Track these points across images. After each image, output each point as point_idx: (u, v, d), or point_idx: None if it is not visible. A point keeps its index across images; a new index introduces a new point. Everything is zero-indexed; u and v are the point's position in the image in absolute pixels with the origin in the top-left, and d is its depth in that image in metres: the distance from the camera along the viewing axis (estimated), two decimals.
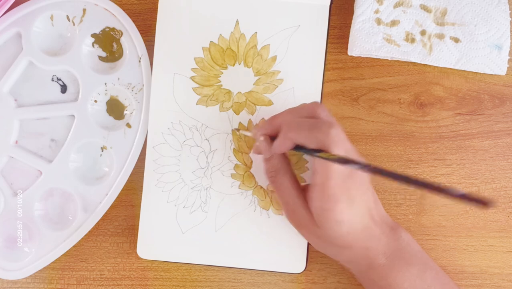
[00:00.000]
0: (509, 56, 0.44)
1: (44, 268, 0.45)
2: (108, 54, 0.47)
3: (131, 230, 0.47)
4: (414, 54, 0.45)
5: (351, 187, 0.38)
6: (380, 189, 0.46)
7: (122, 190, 0.46)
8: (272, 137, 0.40)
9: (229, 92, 0.46)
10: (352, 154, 0.38)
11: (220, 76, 0.46)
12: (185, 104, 0.46)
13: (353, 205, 0.38)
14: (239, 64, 0.46)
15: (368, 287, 0.42)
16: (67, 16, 0.46)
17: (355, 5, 0.45)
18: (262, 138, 0.41)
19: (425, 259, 0.41)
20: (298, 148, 0.38)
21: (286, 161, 0.42)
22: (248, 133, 0.44)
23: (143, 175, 0.46)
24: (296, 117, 0.39)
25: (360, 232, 0.39)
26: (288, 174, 0.41)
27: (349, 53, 0.45)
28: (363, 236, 0.39)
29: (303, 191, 0.41)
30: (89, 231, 0.45)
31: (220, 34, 0.46)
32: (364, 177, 0.39)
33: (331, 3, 0.45)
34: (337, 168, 0.37)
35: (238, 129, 0.45)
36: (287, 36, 0.45)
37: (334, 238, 0.39)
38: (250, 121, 0.45)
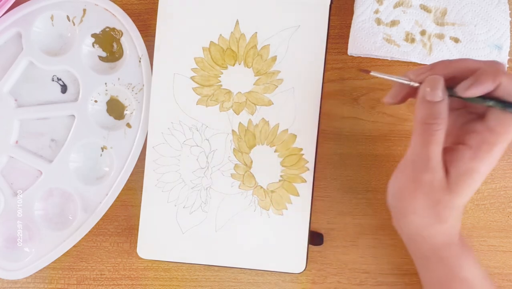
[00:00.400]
0: (509, 56, 0.44)
1: (44, 268, 0.45)
2: (108, 54, 0.47)
3: (131, 230, 0.47)
4: (414, 54, 0.45)
5: (498, 154, 0.36)
6: (379, 189, 0.46)
7: (122, 190, 0.46)
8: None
9: (229, 92, 0.46)
10: None
11: (220, 76, 0.46)
12: (185, 104, 0.46)
13: (486, 174, 0.36)
14: (239, 64, 0.46)
15: (434, 269, 0.40)
16: (67, 16, 0.46)
17: (355, 5, 0.45)
18: (436, 77, 0.36)
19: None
20: (485, 98, 0.35)
21: (446, 110, 0.36)
22: (394, 78, 0.38)
23: (143, 175, 0.46)
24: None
25: (461, 210, 0.38)
26: (443, 123, 0.36)
27: (349, 53, 0.45)
28: (459, 217, 0.38)
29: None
30: (89, 231, 0.45)
31: (220, 34, 0.46)
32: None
33: (331, 3, 0.45)
34: (511, 134, 0.35)
35: (367, 71, 0.39)
36: (287, 36, 0.45)
37: (455, 206, 0.37)
38: (250, 121, 0.45)
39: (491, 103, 0.35)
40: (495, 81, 0.34)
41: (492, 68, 0.35)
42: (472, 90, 0.35)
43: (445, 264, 0.38)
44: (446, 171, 0.36)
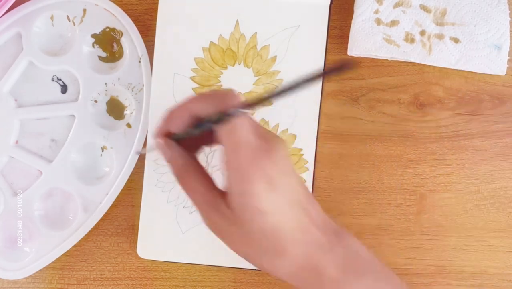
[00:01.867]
0: (508, 56, 0.44)
1: (44, 268, 0.45)
2: (108, 54, 0.47)
3: (131, 230, 0.47)
4: (413, 54, 0.45)
5: (267, 167, 0.31)
6: (379, 189, 0.46)
7: (122, 190, 0.46)
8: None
9: None
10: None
11: (220, 77, 0.46)
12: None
13: (275, 190, 0.31)
14: (239, 64, 0.46)
15: None
16: (67, 16, 0.46)
17: (355, 5, 0.45)
18: (159, 139, 0.35)
19: (376, 266, 0.35)
20: (198, 126, 0.34)
21: (191, 157, 0.36)
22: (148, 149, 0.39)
23: (143, 175, 0.46)
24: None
25: (295, 232, 0.33)
26: (196, 169, 0.35)
27: (349, 53, 0.45)
28: (301, 239, 0.33)
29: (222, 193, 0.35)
30: (89, 231, 0.45)
31: (220, 34, 0.46)
32: (285, 160, 0.33)
33: (331, 3, 0.45)
34: (245, 138, 0.31)
35: (138, 153, 0.43)
36: (287, 36, 0.45)
37: (261, 237, 0.32)
38: None
39: (196, 130, 0.34)
40: (187, 113, 0.34)
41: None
42: (173, 126, 0.35)
43: None
44: (233, 210, 0.33)
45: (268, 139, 0.33)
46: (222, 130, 0.32)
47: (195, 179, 0.35)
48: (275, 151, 0.32)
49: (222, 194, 0.34)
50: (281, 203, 0.32)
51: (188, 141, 0.36)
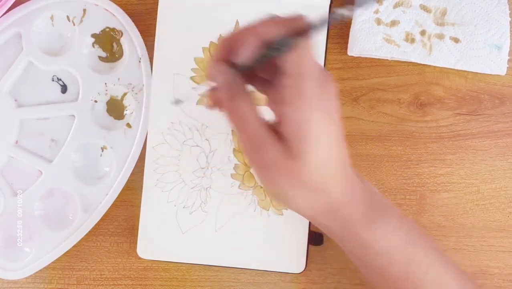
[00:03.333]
0: (509, 56, 0.44)
1: (44, 268, 0.45)
2: (108, 54, 0.47)
3: (131, 230, 0.47)
4: (414, 54, 0.45)
5: (327, 98, 0.32)
6: (379, 189, 0.46)
7: (122, 190, 0.46)
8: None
9: None
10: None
11: None
12: (185, 104, 0.46)
13: (331, 123, 0.32)
14: None
15: (352, 247, 0.37)
16: (67, 16, 0.46)
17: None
18: (216, 65, 0.34)
19: (398, 211, 0.38)
20: (264, 54, 0.32)
21: (242, 84, 0.34)
22: (201, 88, 0.36)
23: (143, 175, 0.46)
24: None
25: (337, 170, 0.33)
26: (247, 97, 0.33)
27: (349, 53, 0.45)
28: (340, 177, 0.34)
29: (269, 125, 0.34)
30: (89, 231, 0.45)
31: (220, 34, 0.46)
32: (337, 97, 0.33)
33: (331, 3, 0.45)
34: (312, 67, 0.31)
35: (179, 101, 0.39)
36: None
37: (311, 170, 0.32)
38: None
39: (263, 58, 0.32)
40: (252, 35, 0.32)
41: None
42: (237, 55, 0.33)
43: (364, 243, 0.35)
44: (284, 139, 0.32)
45: (324, 72, 0.33)
46: (289, 56, 0.31)
47: (248, 112, 0.33)
48: (332, 86, 0.32)
49: (274, 129, 0.33)
50: (334, 137, 0.32)
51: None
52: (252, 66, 0.33)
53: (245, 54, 0.33)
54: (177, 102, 0.40)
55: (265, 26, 0.33)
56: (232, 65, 0.34)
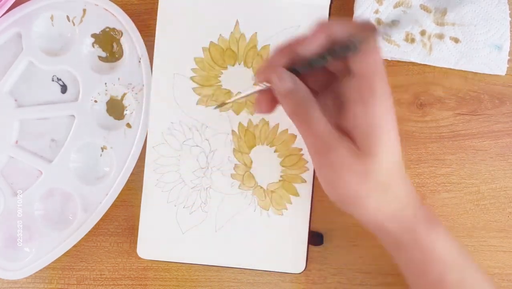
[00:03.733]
0: (509, 56, 0.44)
1: (44, 268, 0.45)
2: (108, 54, 0.47)
3: (131, 230, 0.47)
4: (414, 54, 0.45)
5: (388, 96, 0.33)
6: None
7: (122, 190, 0.46)
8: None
9: (229, 92, 0.46)
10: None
11: (220, 76, 0.46)
12: (185, 104, 0.46)
13: (395, 121, 0.33)
14: (239, 64, 0.46)
15: (411, 254, 0.37)
16: (67, 16, 0.46)
17: (355, 5, 0.45)
18: (279, 69, 0.34)
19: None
20: (328, 52, 0.33)
21: (309, 90, 0.34)
22: (247, 92, 0.36)
23: (143, 175, 0.46)
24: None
25: (401, 170, 0.34)
26: (312, 100, 0.34)
27: None
28: (404, 177, 0.35)
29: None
30: (89, 231, 0.45)
31: (220, 34, 0.46)
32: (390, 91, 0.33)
33: (331, 3, 0.45)
34: (381, 66, 0.32)
35: (223, 104, 0.39)
36: (287, 36, 0.45)
37: (381, 169, 0.33)
38: (250, 121, 0.45)
39: (330, 55, 0.33)
40: (323, 31, 0.33)
41: (318, 23, 0.33)
42: (305, 47, 0.33)
43: (415, 244, 0.36)
44: (353, 140, 0.33)
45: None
46: (361, 56, 0.32)
47: (316, 113, 0.33)
48: (388, 84, 0.33)
49: (341, 132, 0.33)
50: (398, 136, 0.33)
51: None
52: (312, 64, 0.34)
53: (312, 47, 0.33)
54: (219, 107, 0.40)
55: (336, 24, 0.33)
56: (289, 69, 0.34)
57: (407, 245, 0.36)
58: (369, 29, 0.32)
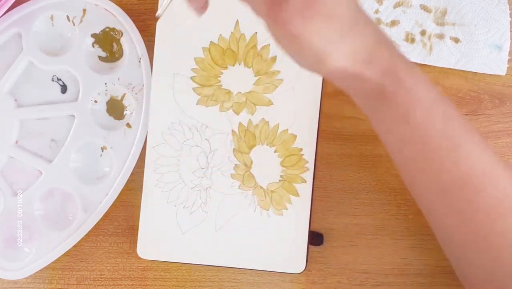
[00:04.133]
0: (509, 56, 0.44)
1: (44, 268, 0.45)
2: (108, 54, 0.47)
3: (131, 230, 0.47)
4: (414, 54, 0.45)
5: None
6: (379, 189, 0.46)
7: (122, 190, 0.46)
8: None
9: (229, 92, 0.46)
10: None
11: (220, 76, 0.46)
12: (185, 104, 0.46)
13: None
14: (239, 64, 0.46)
15: (389, 98, 0.34)
16: (67, 16, 0.46)
17: None
18: None
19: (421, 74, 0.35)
20: None
21: None
22: None
23: (143, 175, 0.46)
24: None
25: (356, 7, 0.32)
26: None
27: None
28: (363, 15, 0.33)
29: None
30: (89, 231, 0.45)
31: (220, 34, 0.46)
32: None
33: None
34: None
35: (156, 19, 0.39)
36: None
37: (340, 8, 0.31)
38: (250, 121, 0.45)
39: None
40: None
41: None
42: None
43: (398, 86, 0.33)
44: None
45: None
46: None
47: None
48: None
49: None
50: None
51: None
52: None
53: None
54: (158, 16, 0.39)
55: None
56: None
57: (389, 88, 0.34)
58: None
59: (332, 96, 0.46)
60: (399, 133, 0.36)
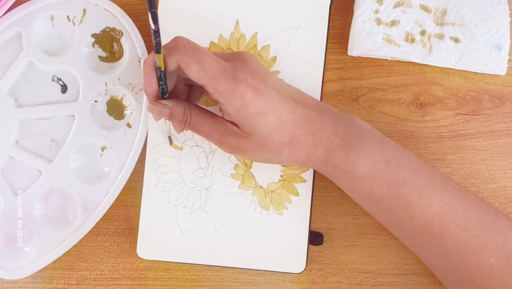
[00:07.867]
0: (508, 56, 0.44)
1: (44, 268, 0.45)
2: (108, 54, 0.47)
3: (131, 230, 0.47)
4: (414, 54, 0.45)
5: (246, 78, 0.37)
6: None
7: (122, 190, 0.46)
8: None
9: None
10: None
11: None
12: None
13: (257, 91, 0.37)
14: None
15: (335, 177, 0.41)
16: (67, 16, 0.46)
17: (355, 5, 0.45)
18: (150, 104, 0.40)
19: (379, 135, 0.40)
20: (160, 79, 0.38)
21: (186, 102, 0.41)
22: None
23: (143, 175, 0.46)
24: None
25: (292, 119, 0.38)
26: (195, 111, 0.40)
27: (349, 53, 0.45)
28: (300, 122, 0.38)
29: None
30: (89, 231, 0.45)
31: (220, 34, 0.46)
32: (258, 67, 0.39)
33: (331, 3, 0.45)
34: (210, 70, 0.37)
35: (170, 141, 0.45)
36: (287, 36, 0.45)
37: (270, 135, 0.38)
38: None
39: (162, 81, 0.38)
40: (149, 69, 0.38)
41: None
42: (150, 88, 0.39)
43: (344, 170, 0.39)
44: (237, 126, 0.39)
45: (230, 57, 0.38)
46: (188, 73, 0.37)
47: (200, 118, 0.40)
48: (244, 62, 0.38)
49: (227, 121, 0.39)
50: (267, 100, 0.37)
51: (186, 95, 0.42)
52: (165, 91, 0.39)
53: (155, 84, 0.39)
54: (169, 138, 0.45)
55: (150, 57, 0.38)
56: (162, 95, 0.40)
57: (332, 174, 0.41)
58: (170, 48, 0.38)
59: (332, 97, 0.46)
60: (356, 198, 0.42)
